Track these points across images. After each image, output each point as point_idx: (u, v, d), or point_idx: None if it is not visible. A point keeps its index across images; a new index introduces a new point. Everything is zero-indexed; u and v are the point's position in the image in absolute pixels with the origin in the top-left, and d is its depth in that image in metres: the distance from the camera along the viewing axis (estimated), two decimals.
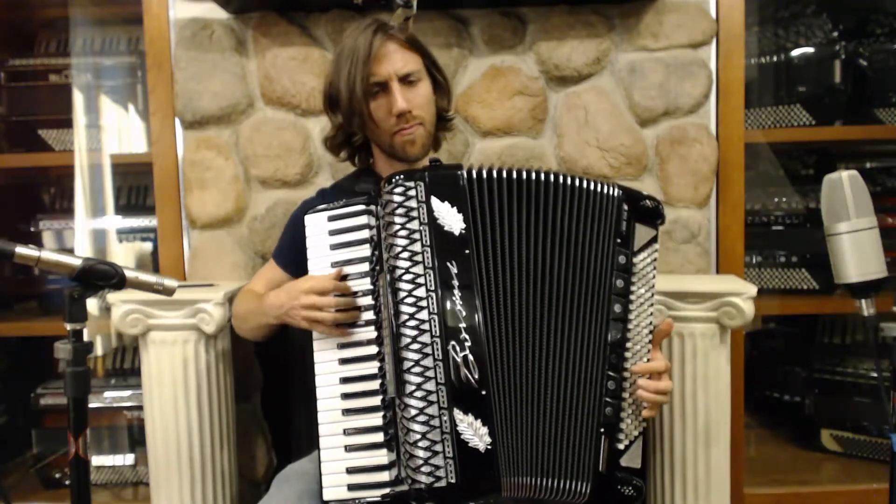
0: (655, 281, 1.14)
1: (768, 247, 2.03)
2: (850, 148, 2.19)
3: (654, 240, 1.15)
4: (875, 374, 1.92)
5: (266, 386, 1.80)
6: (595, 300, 1.11)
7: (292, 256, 1.33)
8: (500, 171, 1.12)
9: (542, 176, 1.12)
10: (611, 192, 1.14)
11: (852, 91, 1.97)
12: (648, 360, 1.12)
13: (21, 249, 1.00)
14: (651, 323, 1.13)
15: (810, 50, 1.99)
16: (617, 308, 1.11)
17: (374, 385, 1.13)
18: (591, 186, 1.14)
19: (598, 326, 1.10)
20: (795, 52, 2.00)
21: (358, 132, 1.31)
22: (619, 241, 1.12)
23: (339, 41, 1.31)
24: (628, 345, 1.11)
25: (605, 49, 1.73)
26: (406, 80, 1.27)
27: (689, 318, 1.49)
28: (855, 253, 1.10)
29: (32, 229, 2.06)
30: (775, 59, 2.02)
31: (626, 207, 1.13)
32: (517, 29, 1.74)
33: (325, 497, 1.12)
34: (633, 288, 1.12)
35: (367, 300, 1.14)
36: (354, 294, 1.13)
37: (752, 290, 1.46)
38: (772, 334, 2.30)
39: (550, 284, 1.10)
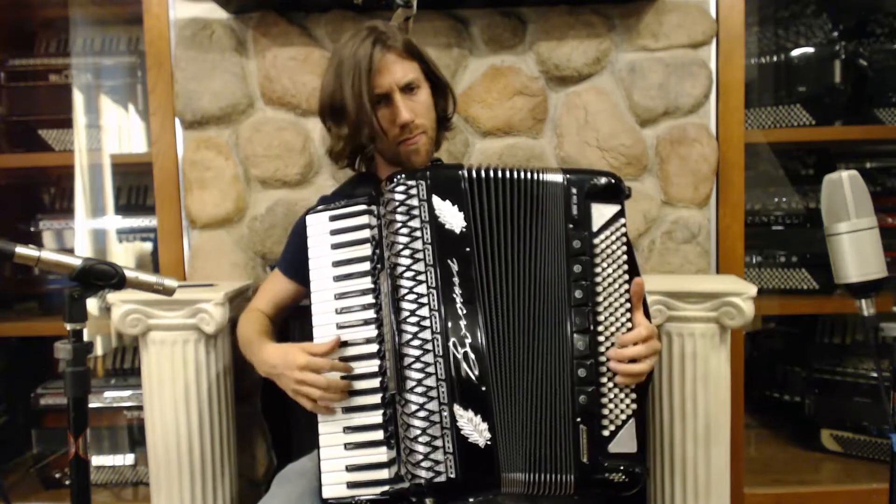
0: (627, 256, 1.12)
1: (768, 247, 2.03)
2: (850, 148, 2.19)
3: (618, 215, 1.13)
4: (875, 374, 1.92)
5: (266, 386, 1.80)
6: (557, 289, 1.10)
7: (297, 265, 1.32)
8: (499, 171, 1.13)
9: (525, 174, 1.14)
10: (554, 179, 1.14)
11: (852, 91, 1.97)
12: (629, 330, 1.11)
13: (21, 249, 1.01)
14: (629, 301, 1.11)
15: (810, 50, 1.99)
16: (578, 294, 1.09)
17: (375, 383, 1.14)
18: (537, 177, 1.14)
19: (562, 315, 1.10)
20: (795, 52, 2.00)
21: (367, 143, 1.30)
22: (571, 225, 1.12)
23: (339, 42, 1.31)
24: (600, 328, 1.09)
25: (605, 49, 1.73)
26: (407, 89, 1.27)
27: (689, 318, 1.49)
28: (855, 253, 1.10)
29: (32, 229, 2.06)
30: (775, 59, 2.02)
31: (573, 191, 1.13)
32: (517, 29, 1.74)
33: (325, 495, 1.12)
34: (597, 269, 1.10)
35: (368, 299, 1.15)
36: (356, 376, 1.15)
37: (752, 290, 1.46)
38: (772, 334, 2.30)
39: (535, 279, 1.11)
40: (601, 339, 1.09)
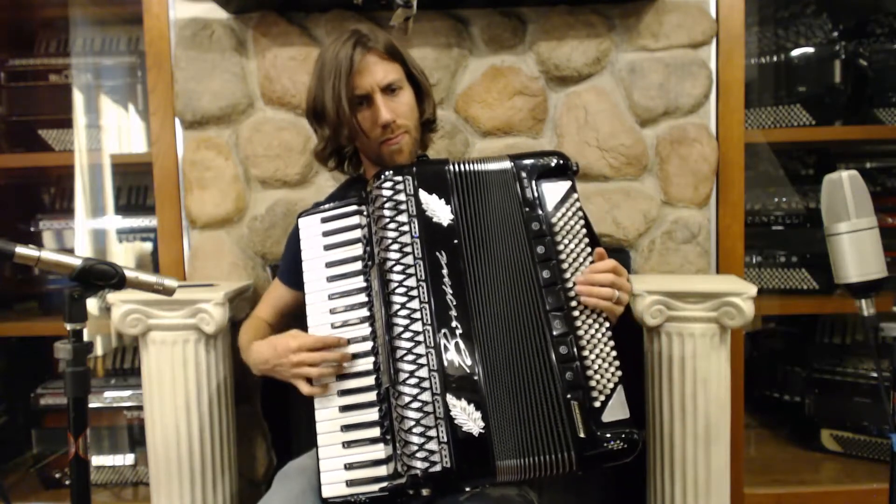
0: (586, 230, 1.14)
1: (768, 247, 2.03)
2: (850, 148, 2.19)
3: (570, 191, 1.15)
4: (875, 374, 1.92)
5: (266, 386, 1.80)
6: (526, 271, 1.12)
7: (294, 271, 1.32)
8: (477, 163, 1.17)
9: (475, 165, 1.17)
10: (503, 166, 1.17)
11: (852, 91, 1.97)
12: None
13: (21, 249, 1.00)
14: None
15: (810, 50, 1.99)
16: (546, 274, 1.11)
17: (370, 380, 1.15)
18: (489, 166, 1.17)
19: (536, 298, 1.11)
20: (795, 52, 2.00)
21: (347, 144, 1.32)
22: (528, 209, 1.14)
23: (325, 45, 1.32)
24: (573, 303, 1.10)
25: (605, 49, 1.73)
26: (388, 90, 1.27)
27: (689, 318, 1.49)
28: (855, 253, 1.09)
29: (32, 229, 2.06)
30: (775, 59, 2.02)
31: (523, 174, 1.16)
32: (517, 29, 1.74)
33: (324, 494, 1.13)
34: (560, 247, 1.12)
35: (361, 297, 1.17)
36: (351, 374, 1.16)
37: (752, 290, 1.46)
38: (772, 334, 2.29)
39: (510, 266, 1.13)
40: (576, 313, 1.10)
